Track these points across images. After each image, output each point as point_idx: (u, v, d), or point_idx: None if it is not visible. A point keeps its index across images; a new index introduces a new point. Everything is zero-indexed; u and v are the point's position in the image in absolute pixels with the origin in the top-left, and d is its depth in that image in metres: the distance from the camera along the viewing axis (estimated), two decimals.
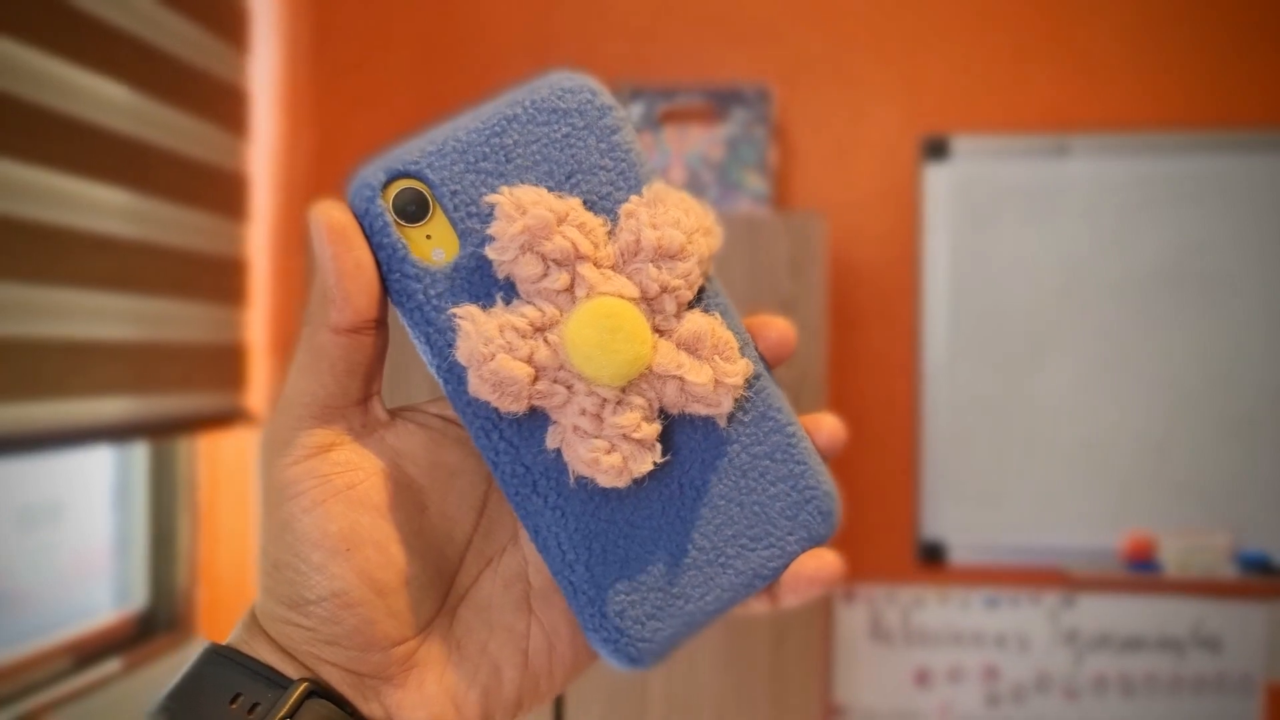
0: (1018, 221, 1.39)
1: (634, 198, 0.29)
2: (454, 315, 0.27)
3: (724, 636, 1.13)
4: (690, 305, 0.29)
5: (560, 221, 0.27)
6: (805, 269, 1.13)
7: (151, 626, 1.39)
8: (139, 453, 1.39)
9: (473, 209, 0.28)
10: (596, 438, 0.27)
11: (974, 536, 1.39)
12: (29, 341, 1.04)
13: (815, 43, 1.43)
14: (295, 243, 1.47)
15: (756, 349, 0.31)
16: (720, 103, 1.32)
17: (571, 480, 0.28)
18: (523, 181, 0.28)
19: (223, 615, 1.46)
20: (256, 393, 1.48)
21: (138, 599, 1.39)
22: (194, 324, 1.32)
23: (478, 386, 0.26)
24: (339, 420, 0.28)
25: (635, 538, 0.29)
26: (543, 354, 0.27)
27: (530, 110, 0.28)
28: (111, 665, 1.24)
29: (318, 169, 1.49)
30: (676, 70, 1.43)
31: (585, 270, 0.27)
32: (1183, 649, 1.37)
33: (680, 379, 0.28)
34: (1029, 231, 1.38)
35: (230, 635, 0.29)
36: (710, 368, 0.28)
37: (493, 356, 0.26)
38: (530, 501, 0.28)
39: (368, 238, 0.28)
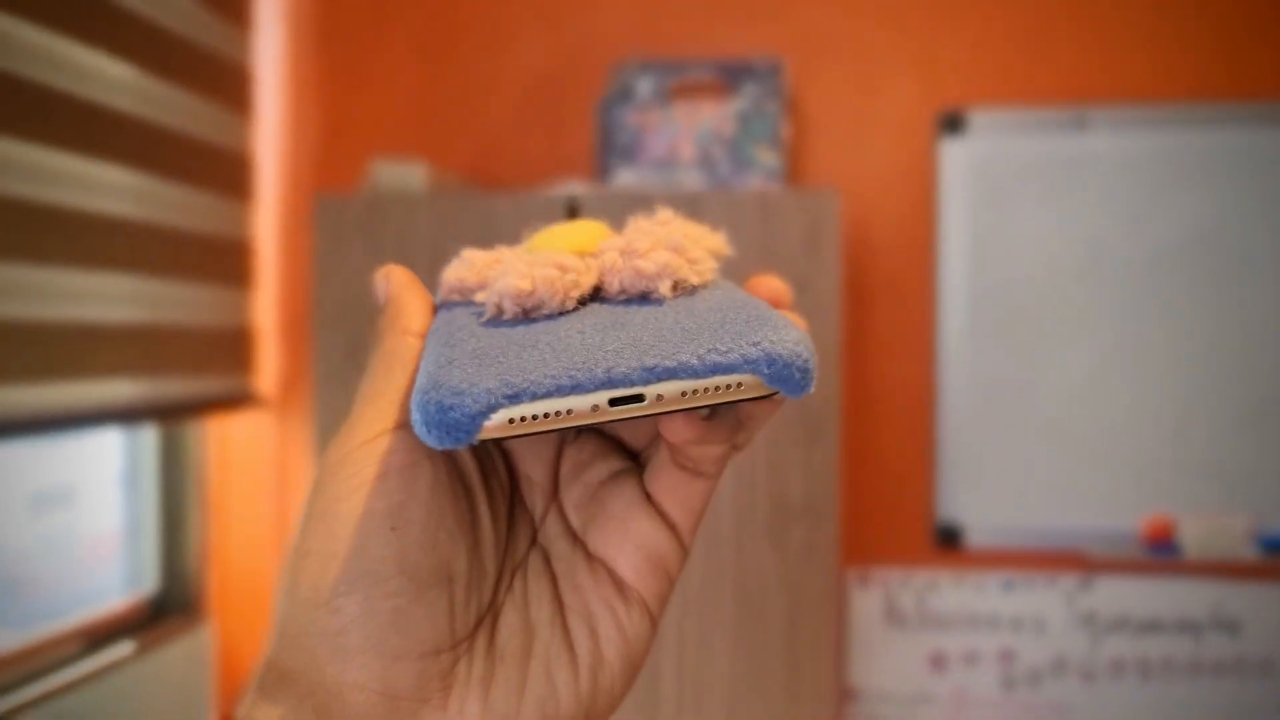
0: (1036, 198, 1.36)
1: None
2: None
3: (737, 619, 1.12)
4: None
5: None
6: (819, 246, 1.11)
7: (163, 610, 1.40)
8: (148, 437, 1.39)
9: None
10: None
11: (990, 519, 1.38)
12: (36, 323, 1.03)
13: (828, 14, 1.40)
14: (302, 224, 1.46)
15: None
16: (731, 77, 1.30)
17: (486, 315, 0.27)
18: None
19: (233, 598, 1.46)
20: (265, 376, 1.47)
21: (149, 583, 1.39)
22: (201, 306, 1.32)
23: (448, 274, 0.29)
24: (406, 414, 0.27)
25: (521, 339, 0.25)
26: (508, 254, 0.29)
27: None
28: (124, 648, 1.24)
29: (323, 149, 1.47)
30: (686, 44, 1.41)
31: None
32: (1201, 632, 1.36)
33: (619, 245, 0.28)
34: (1047, 208, 1.36)
35: (242, 701, 0.26)
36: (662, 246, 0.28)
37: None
38: (432, 336, 0.27)
39: None
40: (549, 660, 0.27)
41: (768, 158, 1.27)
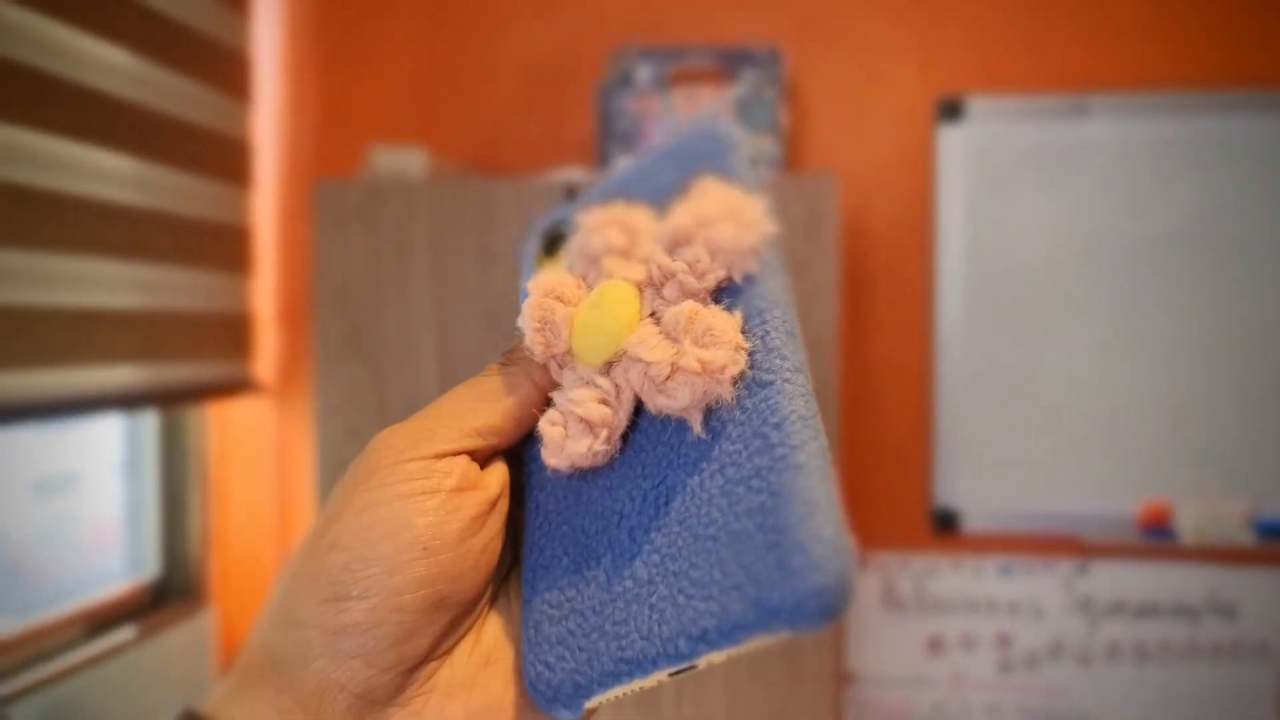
0: (1035, 185, 1.36)
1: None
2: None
3: None
4: (716, 300, 0.28)
5: (611, 224, 0.30)
6: (818, 232, 1.11)
7: (164, 595, 1.40)
8: (149, 423, 1.39)
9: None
10: (553, 410, 0.28)
11: (988, 504, 1.38)
12: (35, 309, 1.03)
13: (827, 1, 1.39)
14: (300, 210, 1.46)
15: (806, 375, 0.27)
16: (730, 64, 1.30)
17: (549, 468, 0.29)
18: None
19: (234, 583, 1.47)
20: (264, 362, 1.47)
21: (150, 568, 1.39)
22: (200, 292, 1.32)
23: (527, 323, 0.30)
24: (480, 446, 0.28)
25: (585, 546, 0.27)
26: (559, 347, 0.30)
27: (660, 157, 0.32)
28: (125, 633, 1.24)
29: (322, 135, 1.47)
30: (685, 30, 1.40)
31: (606, 261, 0.29)
32: (1198, 616, 1.36)
33: (639, 357, 0.27)
34: (1046, 195, 1.36)
35: (220, 687, 0.27)
36: (676, 350, 0.27)
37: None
38: (526, 503, 0.30)
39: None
40: None
41: (766, 144, 1.27)
